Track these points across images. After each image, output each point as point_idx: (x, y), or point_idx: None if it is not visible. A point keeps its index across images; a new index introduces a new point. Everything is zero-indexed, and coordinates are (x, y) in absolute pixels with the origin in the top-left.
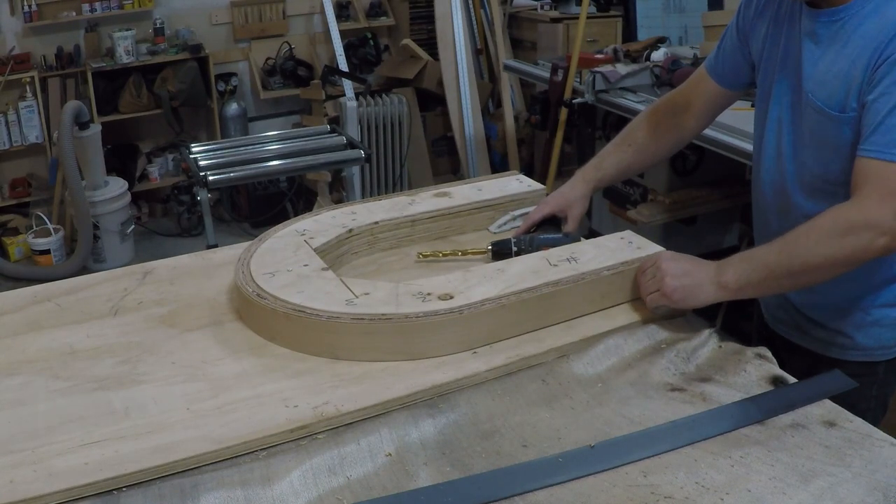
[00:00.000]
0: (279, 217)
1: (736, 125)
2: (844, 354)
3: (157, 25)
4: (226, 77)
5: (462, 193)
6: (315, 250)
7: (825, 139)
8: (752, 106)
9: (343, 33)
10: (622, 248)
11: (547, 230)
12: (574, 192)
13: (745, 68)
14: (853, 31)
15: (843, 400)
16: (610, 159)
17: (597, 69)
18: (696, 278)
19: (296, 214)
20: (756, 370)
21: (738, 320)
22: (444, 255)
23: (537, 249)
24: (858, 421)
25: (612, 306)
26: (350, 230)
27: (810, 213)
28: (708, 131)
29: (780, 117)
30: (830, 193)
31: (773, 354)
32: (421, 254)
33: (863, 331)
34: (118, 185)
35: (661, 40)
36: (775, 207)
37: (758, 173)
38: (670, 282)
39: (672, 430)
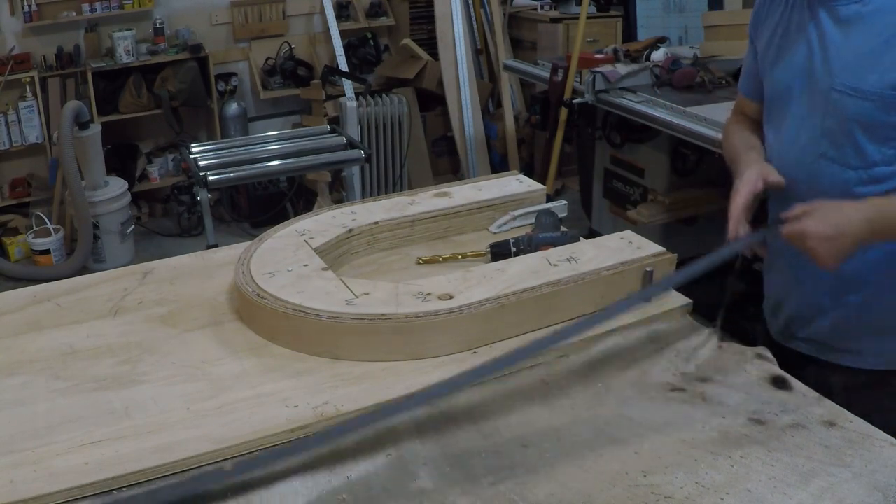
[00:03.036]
0: (279, 217)
1: None
2: (862, 362)
3: (157, 25)
4: (226, 77)
5: (462, 193)
6: (315, 250)
7: (864, 123)
8: None
9: (343, 33)
10: (622, 248)
11: (547, 230)
12: (755, 166)
13: None
14: (882, 9)
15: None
16: (737, 137)
17: (597, 69)
18: (851, 239)
19: (296, 214)
20: (756, 370)
21: (738, 320)
22: (444, 258)
23: (536, 249)
24: (858, 421)
25: None
26: (350, 230)
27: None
28: (708, 131)
29: (800, 116)
30: (855, 183)
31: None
32: (421, 258)
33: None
34: (118, 185)
35: (661, 40)
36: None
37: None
38: (828, 258)
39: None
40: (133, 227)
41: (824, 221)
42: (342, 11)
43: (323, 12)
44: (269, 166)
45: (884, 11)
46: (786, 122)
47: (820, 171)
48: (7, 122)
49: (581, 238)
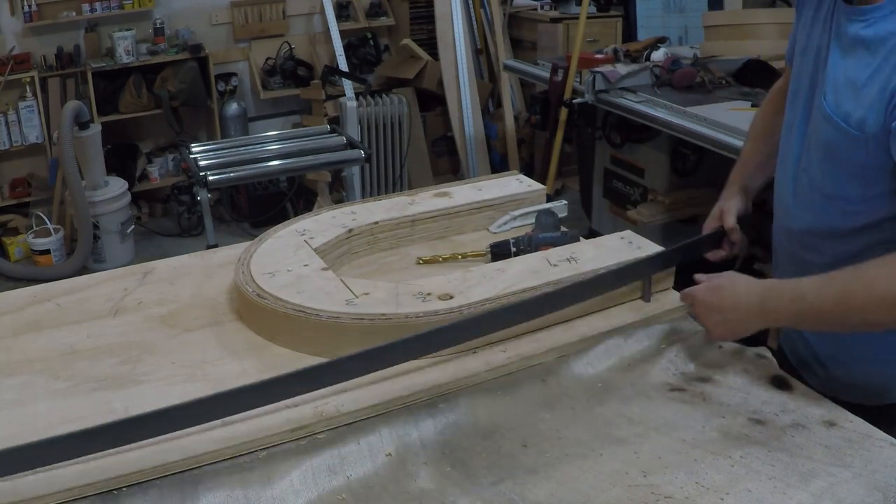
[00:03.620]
0: (279, 217)
1: (736, 125)
2: (833, 392)
3: (157, 25)
4: (226, 77)
5: (462, 193)
6: (315, 250)
7: (832, 152)
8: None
9: (343, 33)
10: (622, 248)
11: (547, 230)
12: (722, 201)
13: None
14: (881, 38)
15: None
16: (747, 157)
17: (597, 69)
18: (734, 317)
19: (296, 214)
20: (756, 370)
21: None
22: (444, 258)
23: (536, 249)
24: (858, 421)
25: (612, 306)
26: (350, 230)
27: (805, 226)
28: (708, 131)
29: (793, 120)
30: (827, 210)
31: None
32: (421, 258)
33: (860, 373)
34: (118, 185)
35: (661, 40)
36: (782, 214)
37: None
38: (716, 330)
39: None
40: (133, 227)
41: (714, 293)
42: (342, 11)
43: (323, 12)
44: (269, 166)
45: (878, 41)
46: (788, 119)
47: (800, 185)
48: (7, 122)
49: (581, 238)
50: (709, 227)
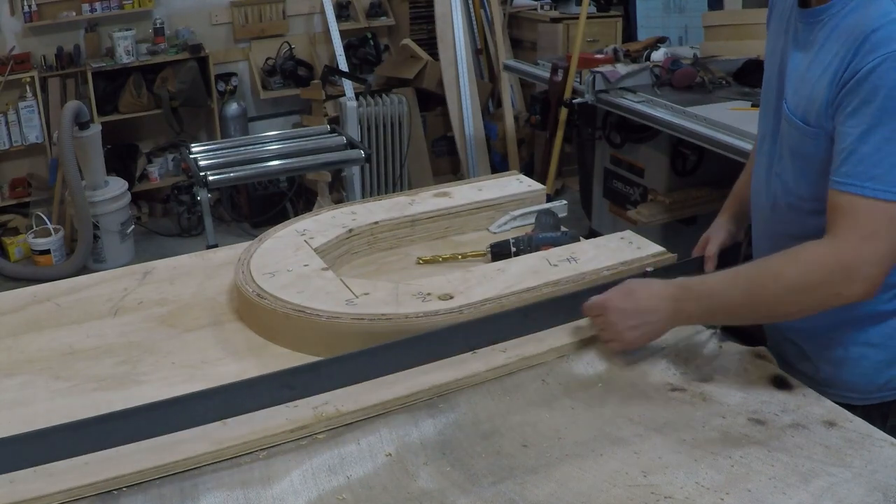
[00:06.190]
0: (279, 217)
1: (736, 125)
2: (823, 393)
3: (157, 25)
4: (226, 77)
5: (462, 193)
6: (315, 250)
7: (800, 153)
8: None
9: (343, 33)
10: (622, 248)
11: (547, 230)
12: (711, 229)
13: None
14: (830, 34)
15: None
16: (742, 184)
17: (597, 69)
18: (652, 319)
19: (296, 214)
20: (756, 370)
21: None
22: (444, 258)
23: (536, 249)
24: (858, 421)
25: None
26: (350, 230)
27: (782, 232)
28: (708, 131)
29: (766, 131)
30: (802, 212)
31: None
32: (421, 258)
33: (841, 368)
34: (118, 185)
35: (661, 40)
36: (760, 225)
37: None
38: (629, 335)
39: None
40: (133, 227)
41: (629, 299)
42: (342, 11)
43: (323, 12)
44: (269, 166)
45: (828, 39)
46: (761, 131)
47: (775, 191)
48: (7, 122)
49: (581, 238)
50: (696, 253)
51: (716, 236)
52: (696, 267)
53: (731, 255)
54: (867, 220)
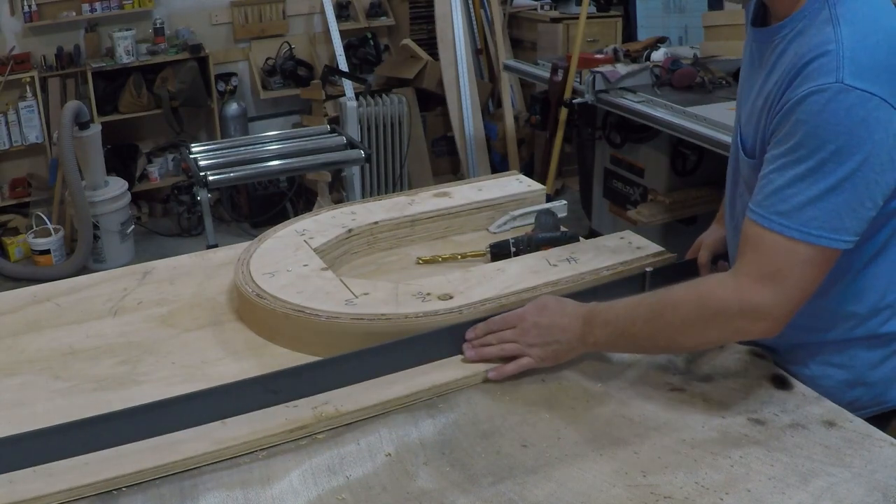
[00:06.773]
0: (279, 217)
1: None
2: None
3: (157, 25)
4: (226, 77)
5: (462, 193)
6: (315, 250)
7: (750, 186)
8: None
9: (343, 33)
10: (622, 248)
11: (547, 230)
12: (704, 234)
13: None
14: (779, 58)
15: None
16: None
17: (597, 69)
18: (563, 338)
19: (296, 214)
20: (756, 370)
21: None
22: (444, 258)
23: (536, 249)
24: (858, 421)
25: None
26: (350, 230)
27: None
28: (708, 131)
29: (732, 147)
30: None
31: None
32: (420, 258)
33: (807, 384)
34: (118, 185)
35: (661, 40)
36: (729, 235)
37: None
38: (540, 351)
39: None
40: (133, 227)
41: (544, 314)
42: (342, 11)
43: (323, 12)
44: (269, 166)
45: (777, 68)
46: (731, 154)
47: (737, 214)
48: (7, 122)
49: (581, 238)
50: (689, 256)
51: (708, 243)
52: (691, 269)
53: (725, 262)
54: (770, 256)
